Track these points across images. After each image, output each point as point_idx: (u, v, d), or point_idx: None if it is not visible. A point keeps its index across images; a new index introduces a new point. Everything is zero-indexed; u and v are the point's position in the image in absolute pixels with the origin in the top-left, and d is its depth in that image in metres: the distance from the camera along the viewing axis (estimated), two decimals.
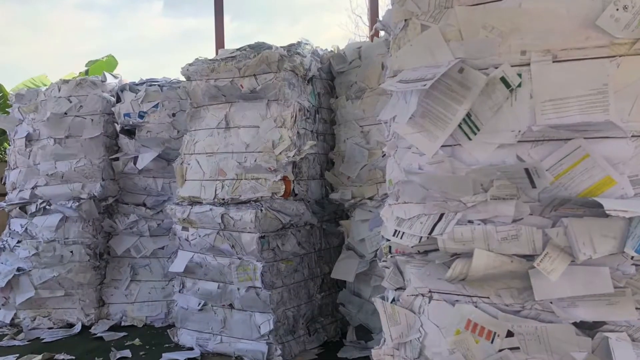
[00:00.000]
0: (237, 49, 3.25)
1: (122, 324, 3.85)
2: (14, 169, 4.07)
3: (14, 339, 3.60)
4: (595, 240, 1.29)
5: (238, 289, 3.06)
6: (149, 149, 3.86)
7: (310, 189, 3.29)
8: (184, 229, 3.25)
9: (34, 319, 3.84)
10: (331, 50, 3.52)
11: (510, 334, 1.39)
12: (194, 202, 3.25)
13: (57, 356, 3.23)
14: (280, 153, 3.02)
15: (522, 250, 1.36)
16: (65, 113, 3.84)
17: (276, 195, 3.05)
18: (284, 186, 3.06)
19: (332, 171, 3.38)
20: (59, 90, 3.90)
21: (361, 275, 3.13)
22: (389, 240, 1.64)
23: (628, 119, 1.30)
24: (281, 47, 3.16)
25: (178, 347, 3.31)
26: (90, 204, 3.83)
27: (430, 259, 1.53)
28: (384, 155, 1.88)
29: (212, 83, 3.20)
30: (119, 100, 3.93)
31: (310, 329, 3.22)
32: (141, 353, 3.27)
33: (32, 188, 3.92)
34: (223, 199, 3.11)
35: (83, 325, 3.81)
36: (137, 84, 4.01)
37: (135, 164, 3.90)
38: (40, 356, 3.20)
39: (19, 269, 3.84)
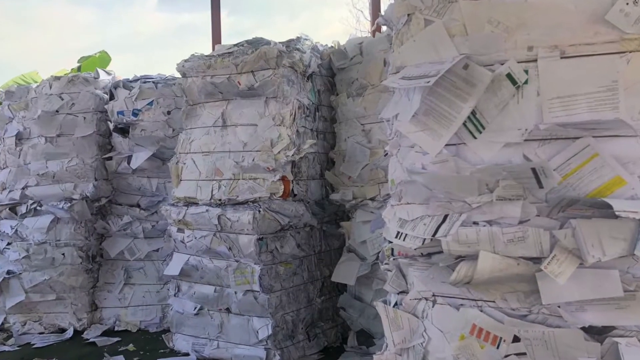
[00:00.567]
0: (235, 45, 3.26)
1: (116, 328, 3.85)
2: (4, 168, 4.06)
3: (4, 344, 3.60)
4: (605, 242, 1.29)
5: (235, 292, 3.06)
6: (143, 147, 3.86)
7: (310, 189, 3.29)
8: (180, 230, 3.25)
9: (25, 324, 3.84)
10: (331, 46, 3.52)
11: (516, 339, 1.39)
12: (189, 202, 3.24)
13: None
14: (278, 152, 3.02)
15: (529, 253, 1.36)
16: (57, 111, 3.84)
17: (275, 196, 3.05)
18: (282, 186, 3.06)
19: (332, 171, 3.38)
20: (50, 87, 3.89)
21: (362, 279, 3.13)
22: (391, 242, 1.64)
23: (638, 117, 1.30)
24: (280, 42, 3.16)
25: (173, 353, 3.31)
26: (82, 204, 3.83)
27: (434, 262, 1.53)
28: (386, 154, 1.88)
29: (208, 80, 3.20)
30: (112, 97, 3.93)
31: (310, 334, 3.22)
32: (135, 359, 3.27)
33: (23, 188, 3.92)
34: (220, 200, 3.11)
35: (75, 330, 3.80)
36: (131, 81, 4.01)
37: (129, 163, 3.90)
38: None
39: (8, 272, 3.84)
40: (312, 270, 3.30)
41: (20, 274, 3.83)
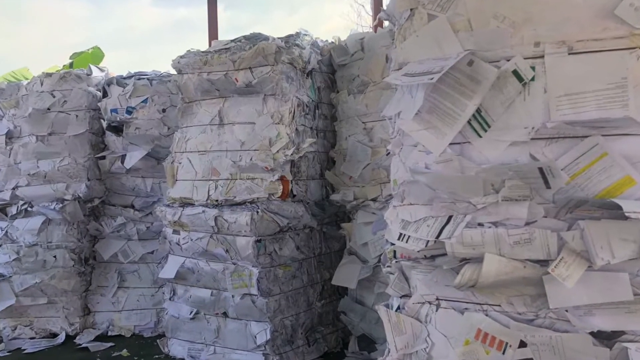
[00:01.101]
0: (232, 40, 3.26)
1: (109, 333, 3.85)
2: None
3: None
4: (614, 244, 1.29)
5: (232, 296, 3.06)
6: (138, 146, 3.87)
7: (310, 189, 3.30)
8: (175, 232, 3.25)
9: (15, 329, 3.84)
10: (332, 42, 3.52)
11: (523, 344, 1.38)
12: (185, 203, 3.25)
13: None
14: (277, 151, 3.03)
15: (536, 255, 1.36)
16: (48, 109, 3.84)
17: (273, 197, 3.05)
18: (281, 187, 3.06)
19: (332, 171, 3.38)
20: (42, 84, 3.90)
21: (364, 282, 3.14)
22: (393, 244, 1.64)
23: None
24: (278, 38, 3.16)
25: (169, 359, 3.31)
26: (74, 205, 3.83)
27: (438, 264, 1.53)
28: (388, 153, 1.88)
29: (204, 77, 3.20)
30: (105, 95, 3.94)
31: (309, 339, 3.23)
32: None
33: (13, 189, 3.92)
34: (216, 200, 3.12)
35: (67, 335, 3.81)
36: (125, 78, 4.01)
37: (122, 163, 3.90)
38: None
39: None
40: (312, 273, 3.31)
41: (10, 277, 3.83)
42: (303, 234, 3.24)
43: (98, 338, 3.78)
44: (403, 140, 1.68)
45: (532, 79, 1.38)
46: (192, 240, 3.16)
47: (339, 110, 3.38)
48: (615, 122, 1.31)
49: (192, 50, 3.35)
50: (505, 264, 1.37)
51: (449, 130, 1.47)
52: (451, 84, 1.46)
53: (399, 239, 1.59)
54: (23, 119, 3.90)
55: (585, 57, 1.34)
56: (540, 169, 1.34)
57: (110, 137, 3.94)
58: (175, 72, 3.40)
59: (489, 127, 1.43)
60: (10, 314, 3.85)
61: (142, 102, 3.81)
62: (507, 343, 1.40)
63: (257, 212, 2.96)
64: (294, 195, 3.15)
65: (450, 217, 1.49)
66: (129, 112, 3.82)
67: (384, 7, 2.08)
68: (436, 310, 1.55)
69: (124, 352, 3.47)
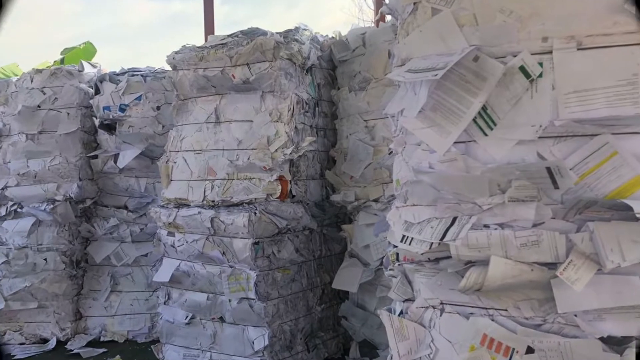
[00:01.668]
0: (229, 36, 3.26)
1: (102, 339, 3.85)
2: None
3: None
4: (625, 246, 1.29)
5: (229, 300, 3.06)
6: (131, 145, 3.87)
7: (309, 189, 3.30)
8: (170, 234, 3.25)
9: (4, 334, 3.84)
10: (332, 37, 3.52)
11: (530, 350, 1.38)
12: (180, 204, 3.25)
13: None
14: (276, 150, 3.03)
15: (544, 258, 1.36)
16: (39, 106, 3.85)
17: (271, 197, 3.05)
18: (280, 187, 3.06)
19: (333, 170, 3.38)
20: (32, 81, 3.90)
21: (365, 286, 3.14)
22: (396, 246, 1.64)
23: None
24: (277, 33, 3.16)
25: None
26: (65, 206, 3.83)
27: (442, 267, 1.53)
28: (391, 152, 1.88)
29: (200, 73, 3.20)
30: (97, 91, 3.94)
31: (309, 344, 3.23)
32: None
33: (2, 189, 3.92)
34: (213, 201, 3.12)
35: (58, 341, 3.81)
36: (117, 74, 4.01)
37: (115, 162, 3.90)
38: None
39: None
40: (312, 277, 3.31)
41: None
42: (302, 236, 3.24)
43: (90, 344, 3.78)
44: (406, 138, 1.68)
45: (540, 75, 1.38)
46: (187, 242, 3.16)
47: (340, 108, 3.39)
48: (625, 120, 1.31)
49: (187, 45, 3.35)
50: (511, 267, 1.38)
51: (454, 129, 1.47)
52: (456, 80, 1.46)
53: (401, 241, 1.59)
54: (12, 116, 3.90)
55: (595, 53, 1.34)
56: (548, 169, 1.34)
57: (103, 136, 3.94)
58: (170, 68, 3.40)
59: (495, 125, 1.43)
60: None
61: (136, 99, 3.81)
62: (513, 349, 1.40)
63: (255, 213, 2.96)
64: (293, 196, 3.15)
65: (455, 219, 1.49)
66: (122, 109, 3.82)
67: (387, 0, 2.08)
68: (440, 315, 1.56)
69: (117, 358, 3.48)
